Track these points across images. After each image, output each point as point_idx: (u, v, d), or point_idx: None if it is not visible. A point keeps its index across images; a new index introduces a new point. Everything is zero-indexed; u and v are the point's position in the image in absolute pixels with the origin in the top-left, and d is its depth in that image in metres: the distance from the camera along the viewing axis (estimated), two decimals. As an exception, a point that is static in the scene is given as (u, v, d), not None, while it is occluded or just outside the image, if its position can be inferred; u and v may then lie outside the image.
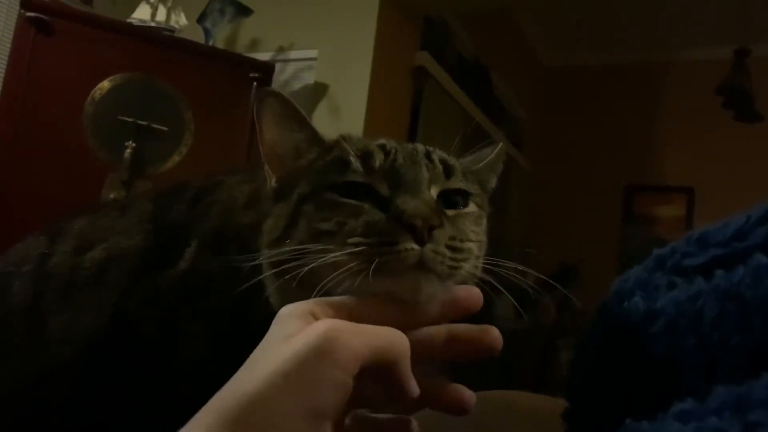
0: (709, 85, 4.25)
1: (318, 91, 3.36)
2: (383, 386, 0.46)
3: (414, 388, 0.45)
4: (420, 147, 0.61)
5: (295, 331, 0.44)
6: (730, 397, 0.37)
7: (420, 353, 0.48)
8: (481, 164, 0.67)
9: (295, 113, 0.62)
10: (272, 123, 0.62)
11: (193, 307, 0.68)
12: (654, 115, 5.28)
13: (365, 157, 0.57)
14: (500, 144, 0.70)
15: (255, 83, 2.75)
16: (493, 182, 0.69)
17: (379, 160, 0.57)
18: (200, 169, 2.55)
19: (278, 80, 3.28)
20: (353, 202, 0.54)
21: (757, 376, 0.39)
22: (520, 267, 0.57)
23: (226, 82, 2.77)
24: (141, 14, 2.89)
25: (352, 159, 0.57)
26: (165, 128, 2.58)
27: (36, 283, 0.75)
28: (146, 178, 2.54)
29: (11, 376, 0.73)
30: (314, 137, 0.62)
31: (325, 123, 3.27)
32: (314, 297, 0.49)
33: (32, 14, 2.43)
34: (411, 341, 0.46)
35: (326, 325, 0.43)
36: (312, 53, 3.43)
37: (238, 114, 2.71)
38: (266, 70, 2.86)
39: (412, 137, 3.64)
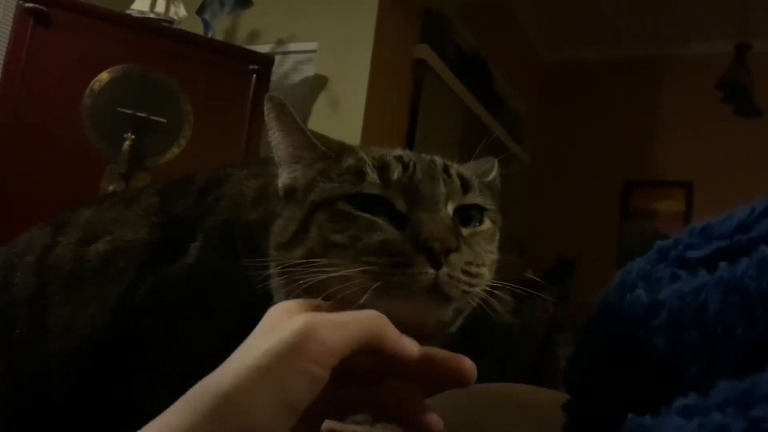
0: (708, 80, 4.24)
1: (317, 83, 3.35)
2: (381, 359, 0.46)
3: (409, 350, 0.46)
4: (438, 160, 0.60)
5: (276, 325, 0.44)
6: (734, 392, 0.37)
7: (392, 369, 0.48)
8: (488, 178, 0.66)
9: (288, 118, 0.61)
10: (273, 126, 0.61)
11: (199, 303, 0.67)
12: (653, 109, 5.27)
13: (382, 168, 0.56)
14: (496, 161, 0.70)
15: (254, 75, 2.74)
16: (495, 198, 0.69)
17: (396, 172, 0.56)
18: (199, 162, 2.55)
19: (278, 73, 3.27)
20: (369, 216, 0.53)
21: (761, 369, 0.38)
22: (521, 289, 0.56)
23: (225, 74, 2.75)
24: (140, 5, 2.87)
25: (369, 170, 0.56)
26: (164, 120, 2.57)
27: (39, 275, 0.74)
28: (145, 171, 2.53)
29: (12, 367, 0.72)
30: (309, 142, 0.61)
31: (325, 116, 3.27)
32: None
33: (30, 5, 2.41)
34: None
35: (304, 319, 0.43)
36: (312, 46, 3.42)
37: (237, 106, 2.71)
38: (266, 62, 2.84)
39: (411, 130, 3.64)
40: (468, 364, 0.47)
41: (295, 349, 0.42)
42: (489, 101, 4.59)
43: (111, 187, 2.47)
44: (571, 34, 5.38)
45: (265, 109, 0.60)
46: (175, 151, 2.60)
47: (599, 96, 5.40)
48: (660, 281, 0.47)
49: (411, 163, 0.57)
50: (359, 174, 0.56)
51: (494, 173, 0.68)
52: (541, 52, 5.65)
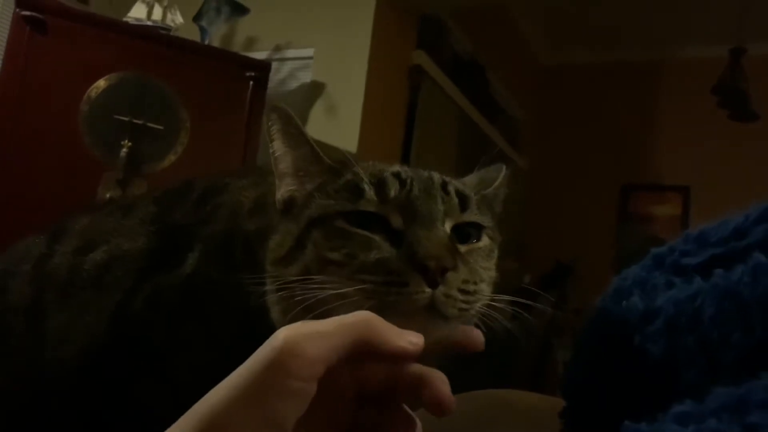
0: (705, 84, 4.25)
1: (314, 90, 3.36)
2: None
3: (406, 346, 0.44)
4: (436, 177, 0.59)
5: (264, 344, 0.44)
6: (729, 398, 0.37)
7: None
8: (490, 189, 0.66)
9: (295, 130, 0.60)
10: (276, 137, 0.60)
11: (196, 313, 0.67)
12: (650, 113, 5.28)
13: (379, 185, 0.56)
14: (504, 167, 0.69)
15: (251, 82, 2.74)
16: (498, 207, 0.68)
17: (393, 189, 0.55)
18: (196, 168, 2.54)
19: (275, 79, 3.27)
20: (365, 233, 0.53)
21: (756, 376, 0.39)
22: (520, 301, 0.56)
23: (222, 80, 2.75)
24: (137, 13, 2.88)
25: (366, 187, 0.55)
26: (161, 127, 2.57)
27: (35, 283, 0.74)
28: (142, 177, 2.53)
29: (8, 376, 0.72)
30: (314, 155, 0.61)
31: (322, 122, 3.27)
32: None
33: (27, 13, 2.41)
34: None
35: (285, 333, 0.42)
36: (308, 52, 3.43)
37: (234, 113, 2.71)
38: (263, 69, 2.85)
39: (408, 136, 3.64)
40: (449, 399, 0.45)
41: (272, 366, 0.41)
42: (486, 106, 4.60)
43: (108, 194, 2.47)
44: (568, 39, 5.39)
45: (268, 120, 0.60)
46: (172, 157, 2.60)
47: (596, 100, 5.41)
48: (655, 288, 0.47)
49: (408, 180, 0.57)
50: (356, 190, 0.56)
51: (499, 181, 0.68)
52: (538, 56, 5.66)
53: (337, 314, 0.47)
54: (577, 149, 5.40)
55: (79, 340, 0.69)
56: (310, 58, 3.43)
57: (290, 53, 3.48)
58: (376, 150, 3.28)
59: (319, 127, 3.21)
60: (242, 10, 3.15)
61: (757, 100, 4.20)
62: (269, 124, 0.60)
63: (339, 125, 3.24)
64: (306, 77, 3.43)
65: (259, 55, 3.35)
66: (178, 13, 2.96)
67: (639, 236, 4.95)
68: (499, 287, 0.59)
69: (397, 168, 0.60)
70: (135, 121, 2.52)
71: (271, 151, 0.61)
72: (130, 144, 2.50)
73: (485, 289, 0.55)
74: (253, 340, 0.46)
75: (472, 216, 0.58)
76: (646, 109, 5.30)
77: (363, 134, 3.21)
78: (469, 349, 0.51)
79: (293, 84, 3.47)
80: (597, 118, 5.38)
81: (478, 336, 0.52)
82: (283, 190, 0.61)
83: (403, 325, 0.47)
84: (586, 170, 5.34)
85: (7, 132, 2.38)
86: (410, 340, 0.45)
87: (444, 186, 0.58)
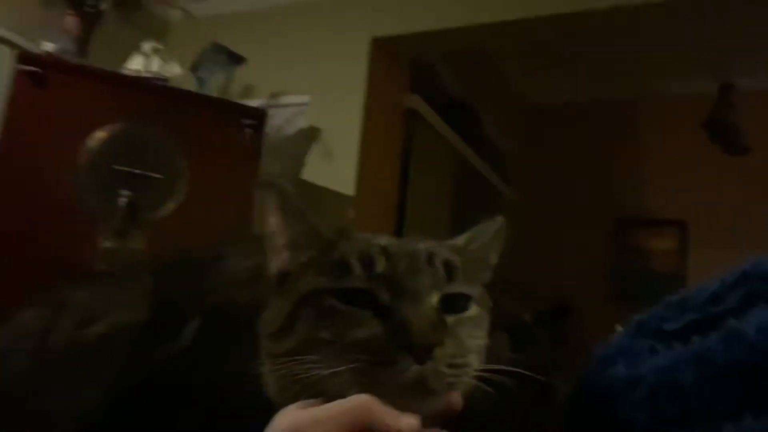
0: (697, 119, 4.29)
1: (311, 135, 3.40)
2: None
3: (403, 429, 0.47)
4: (422, 248, 0.60)
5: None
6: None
7: None
8: (484, 242, 0.68)
9: (292, 206, 0.61)
10: (272, 213, 0.61)
11: (194, 387, 0.67)
12: (644, 149, 5.31)
13: (367, 261, 0.57)
14: (501, 219, 0.70)
15: (249, 129, 2.76)
16: (494, 259, 0.69)
17: (380, 265, 0.56)
18: (195, 217, 2.53)
19: (271, 126, 3.31)
20: (353, 310, 0.54)
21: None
22: (511, 369, 0.56)
23: (219, 129, 2.77)
24: (134, 64, 2.92)
25: (354, 262, 0.56)
26: (160, 176, 2.58)
27: (35, 359, 0.74)
28: (141, 228, 2.54)
29: None
30: (312, 231, 0.62)
31: (319, 167, 3.30)
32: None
33: (28, 68, 2.45)
34: None
35: (286, 424, 0.45)
36: (304, 99, 3.47)
37: (232, 160, 2.73)
38: (259, 116, 2.87)
39: (404, 177, 3.67)
40: None
41: None
42: (480, 146, 4.64)
43: (107, 245, 2.48)
44: (557, 78, 5.44)
45: (265, 193, 0.61)
46: (171, 206, 2.61)
47: (590, 137, 5.44)
48: (639, 355, 0.49)
49: (394, 255, 0.58)
50: (344, 266, 0.56)
51: (493, 233, 0.69)
52: (528, 95, 5.71)
53: (330, 392, 0.50)
54: (571, 186, 5.41)
55: (77, 418, 0.69)
56: (306, 104, 3.47)
57: (286, 100, 3.52)
58: (374, 192, 3.31)
59: (316, 172, 3.24)
60: (238, 60, 3.20)
61: (749, 134, 4.24)
62: (266, 199, 0.61)
63: (336, 169, 3.27)
64: (302, 123, 3.47)
65: (256, 102, 3.39)
66: (175, 64, 3.01)
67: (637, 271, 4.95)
68: (497, 327, 0.60)
69: (384, 241, 0.61)
70: (134, 171, 2.53)
71: (266, 226, 0.61)
72: (129, 194, 2.52)
73: (474, 360, 0.55)
74: (252, 416, 0.47)
75: (458, 286, 0.58)
76: (639, 144, 5.33)
77: (360, 177, 3.24)
78: (447, 413, 0.53)
79: (290, 130, 3.51)
80: (591, 155, 5.40)
81: (456, 401, 0.53)
82: (277, 263, 0.62)
83: (393, 401, 0.49)
84: (582, 206, 5.35)
85: (7, 185, 2.40)
86: (407, 422, 0.47)
87: (430, 258, 0.59)
